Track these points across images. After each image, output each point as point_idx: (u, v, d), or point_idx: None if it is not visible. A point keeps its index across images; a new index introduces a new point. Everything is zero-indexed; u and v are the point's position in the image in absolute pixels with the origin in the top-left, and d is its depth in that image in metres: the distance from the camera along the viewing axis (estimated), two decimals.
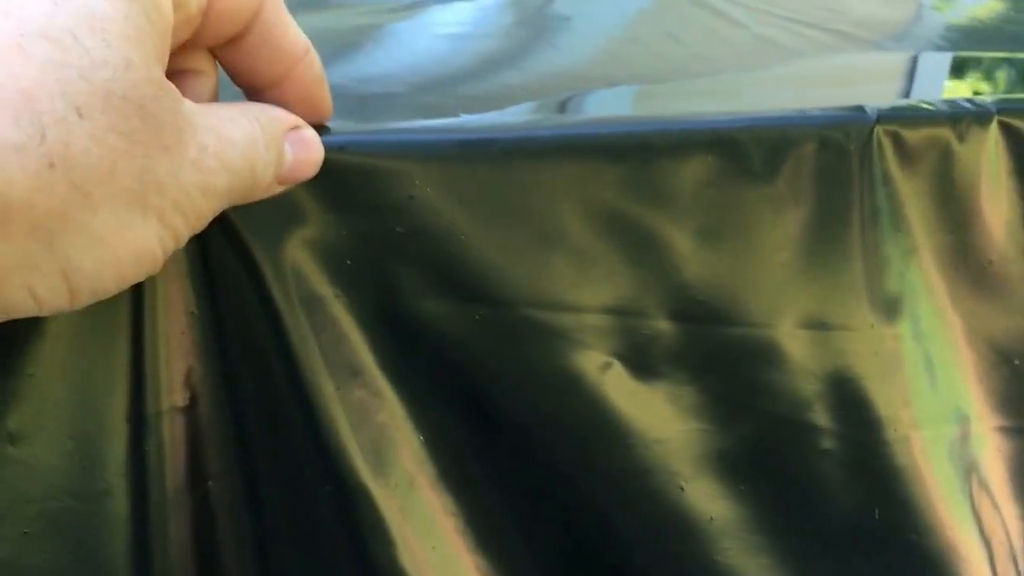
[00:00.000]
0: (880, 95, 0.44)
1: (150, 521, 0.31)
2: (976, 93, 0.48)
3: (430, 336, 0.33)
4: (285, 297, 0.30)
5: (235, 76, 0.29)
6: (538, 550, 0.37)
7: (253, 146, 0.27)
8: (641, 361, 0.35)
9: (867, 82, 0.50)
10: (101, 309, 0.27)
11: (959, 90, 0.50)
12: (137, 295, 0.29)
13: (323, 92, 0.30)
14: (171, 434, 0.31)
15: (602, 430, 0.35)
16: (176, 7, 0.25)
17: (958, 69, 0.52)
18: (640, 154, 0.33)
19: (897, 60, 0.52)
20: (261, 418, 0.31)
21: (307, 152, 0.29)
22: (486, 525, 0.36)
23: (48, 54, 0.22)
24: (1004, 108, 0.38)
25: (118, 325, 0.29)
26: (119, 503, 0.30)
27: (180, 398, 0.31)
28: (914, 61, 0.51)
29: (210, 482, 0.31)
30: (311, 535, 0.32)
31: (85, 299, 0.24)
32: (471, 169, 0.32)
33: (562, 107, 0.41)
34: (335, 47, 0.47)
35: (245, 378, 0.30)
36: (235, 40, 0.28)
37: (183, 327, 0.30)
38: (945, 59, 0.54)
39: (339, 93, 0.31)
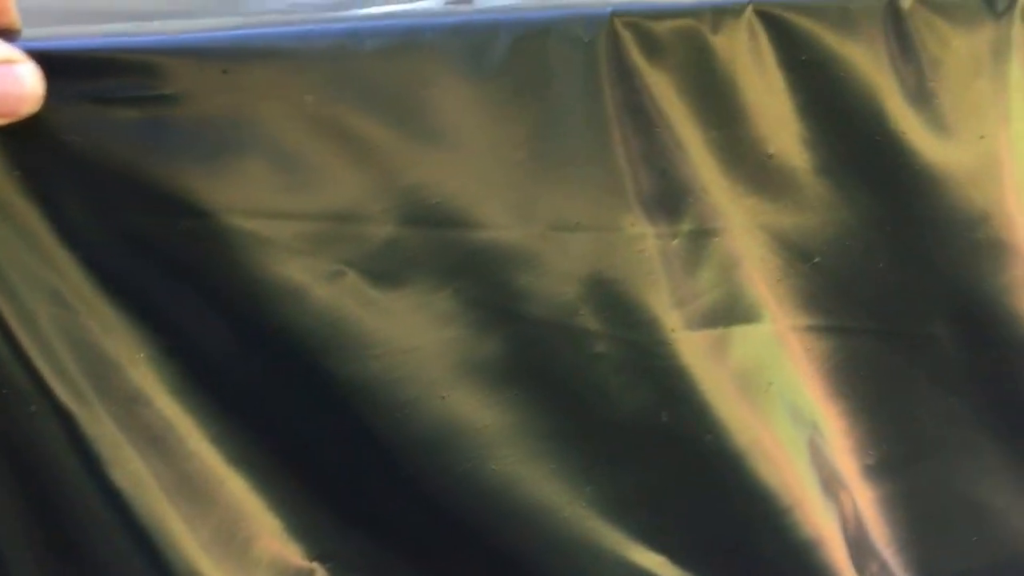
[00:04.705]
0: None
1: None
2: None
3: (142, 251, 0.32)
4: None
5: None
6: (299, 465, 0.37)
7: None
8: (377, 268, 0.34)
9: None
10: None
11: None
12: None
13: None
14: None
15: (339, 340, 0.34)
16: None
17: None
18: (345, 56, 0.31)
19: None
20: None
21: (17, 87, 0.27)
22: (242, 440, 0.36)
23: None
24: None
25: None
26: None
27: None
28: None
29: None
30: (14, 463, 0.32)
31: None
32: (160, 68, 0.30)
33: None
34: None
35: None
36: None
37: None
38: None
39: None
